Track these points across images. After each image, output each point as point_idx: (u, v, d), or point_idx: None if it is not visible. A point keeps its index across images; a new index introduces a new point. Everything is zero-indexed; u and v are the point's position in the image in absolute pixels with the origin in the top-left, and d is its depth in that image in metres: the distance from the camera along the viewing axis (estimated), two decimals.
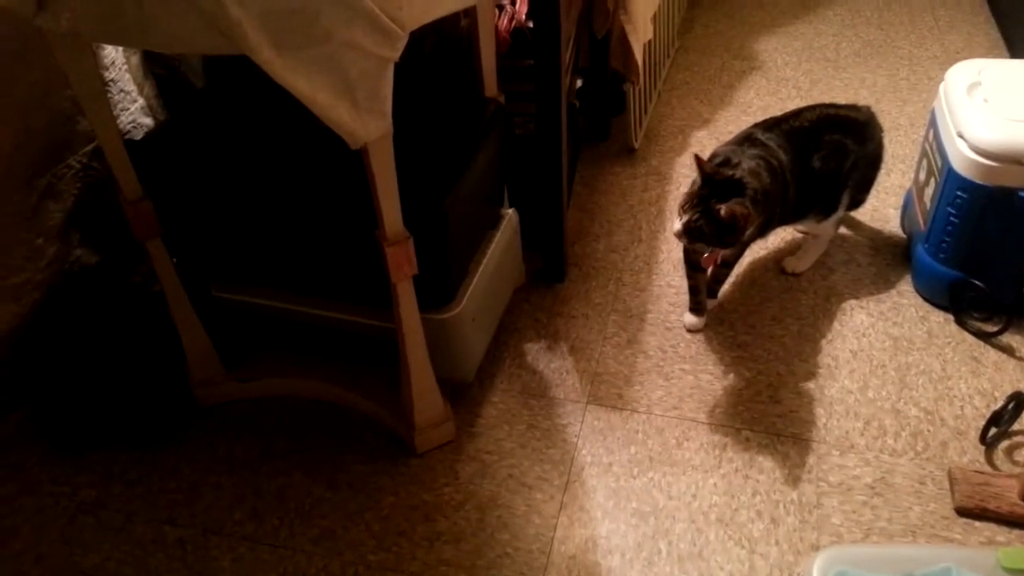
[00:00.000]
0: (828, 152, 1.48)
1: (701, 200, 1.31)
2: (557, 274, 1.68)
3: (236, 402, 1.47)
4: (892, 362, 1.48)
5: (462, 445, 1.38)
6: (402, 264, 1.17)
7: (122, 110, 1.58)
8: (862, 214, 1.76)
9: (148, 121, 1.63)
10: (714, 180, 1.32)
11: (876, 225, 1.78)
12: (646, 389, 1.46)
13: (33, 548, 1.27)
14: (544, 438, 1.39)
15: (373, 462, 1.37)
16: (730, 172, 1.33)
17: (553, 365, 1.52)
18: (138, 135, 1.58)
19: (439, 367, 1.32)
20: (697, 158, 1.33)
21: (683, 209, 1.34)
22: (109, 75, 1.54)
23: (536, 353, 1.55)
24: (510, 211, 1.54)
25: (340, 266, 1.34)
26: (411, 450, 1.36)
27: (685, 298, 1.59)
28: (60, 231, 1.48)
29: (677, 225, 1.34)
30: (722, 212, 1.27)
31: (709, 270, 1.54)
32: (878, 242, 1.74)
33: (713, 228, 1.30)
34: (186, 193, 1.34)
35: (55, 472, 1.38)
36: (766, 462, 1.33)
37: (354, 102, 1.01)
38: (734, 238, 1.32)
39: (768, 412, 1.41)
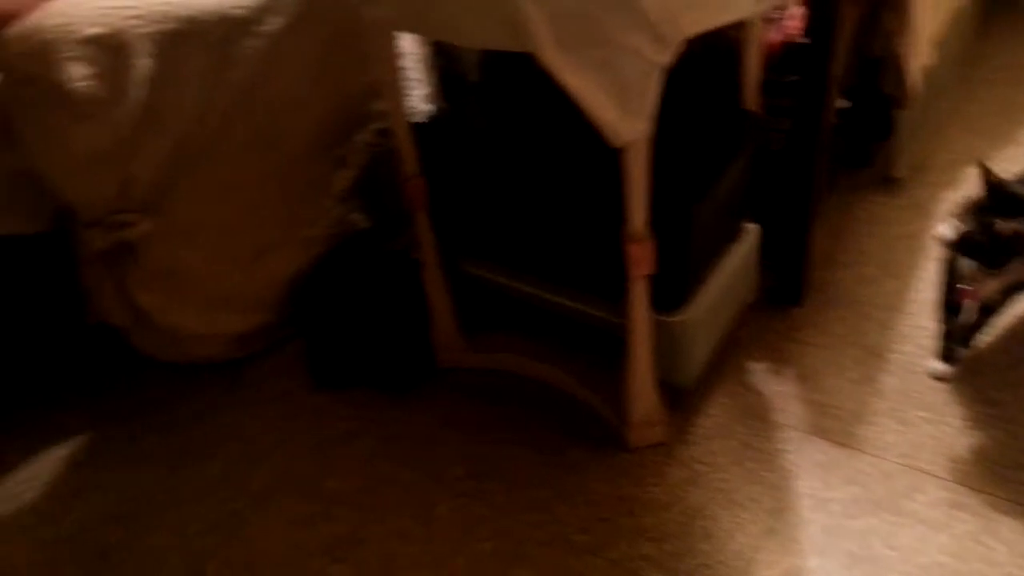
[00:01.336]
0: None
1: (981, 211, 1.23)
2: (792, 297, 1.63)
3: (468, 369, 1.59)
4: None
5: (673, 449, 1.39)
6: (641, 262, 1.21)
7: (406, 95, 1.76)
8: None
9: (426, 108, 1.81)
10: (999, 193, 1.22)
11: None
12: (878, 431, 1.38)
13: (287, 464, 1.46)
14: (759, 460, 1.36)
15: (586, 448, 1.42)
16: (1019, 191, 1.23)
17: (777, 389, 1.48)
18: (416, 119, 1.75)
19: (661, 369, 1.34)
20: (983, 166, 1.24)
21: (958, 217, 1.26)
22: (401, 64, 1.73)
23: (761, 374, 1.51)
24: (752, 226, 1.52)
25: (582, 257, 1.40)
26: (622, 444, 1.40)
27: (934, 343, 1.48)
28: (344, 196, 1.69)
29: (947, 231, 1.26)
30: (1004, 230, 1.18)
31: (965, 314, 1.42)
32: None
33: (988, 244, 1.21)
34: (454, 174, 1.47)
35: (317, 403, 1.57)
36: (1006, 531, 1.21)
37: (623, 101, 1.07)
38: (1006, 262, 1.22)
39: (1017, 478, 1.28)
